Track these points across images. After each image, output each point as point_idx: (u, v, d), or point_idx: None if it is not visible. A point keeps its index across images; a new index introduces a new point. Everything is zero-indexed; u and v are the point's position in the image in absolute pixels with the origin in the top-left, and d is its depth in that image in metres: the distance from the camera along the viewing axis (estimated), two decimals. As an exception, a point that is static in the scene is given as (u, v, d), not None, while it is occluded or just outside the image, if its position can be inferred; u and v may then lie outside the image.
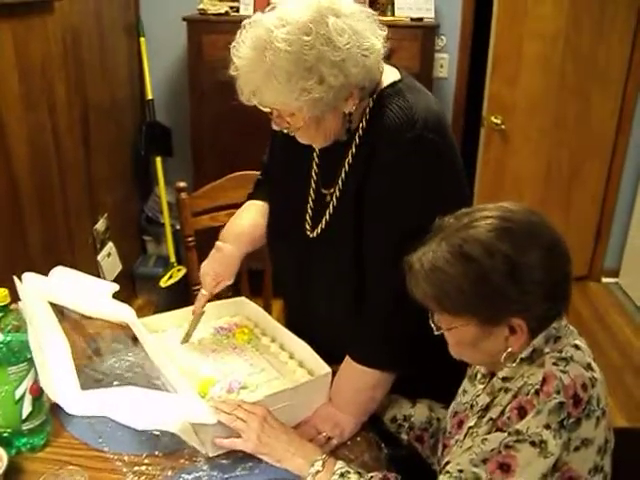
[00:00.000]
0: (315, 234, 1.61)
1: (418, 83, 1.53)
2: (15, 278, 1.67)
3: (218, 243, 1.75)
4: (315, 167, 1.61)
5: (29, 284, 1.77)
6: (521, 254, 1.19)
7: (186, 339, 1.76)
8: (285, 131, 1.47)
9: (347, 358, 1.56)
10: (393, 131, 1.41)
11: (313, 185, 1.61)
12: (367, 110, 1.47)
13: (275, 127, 1.47)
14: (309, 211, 1.62)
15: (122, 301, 1.82)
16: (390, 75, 1.50)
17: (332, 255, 1.58)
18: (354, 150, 1.50)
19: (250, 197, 1.85)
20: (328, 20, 1.31)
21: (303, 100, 1.34)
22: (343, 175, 1.52)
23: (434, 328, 1.31)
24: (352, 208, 1.50)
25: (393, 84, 1.47)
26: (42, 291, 1.77)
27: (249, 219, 1.78)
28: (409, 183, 1.43)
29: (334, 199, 1.55)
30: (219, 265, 1.72)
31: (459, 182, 1.54)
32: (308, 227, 1.62)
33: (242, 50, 1.35)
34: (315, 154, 1.60)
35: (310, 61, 1.30)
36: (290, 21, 1.31)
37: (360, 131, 1.48)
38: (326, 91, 1.33)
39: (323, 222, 1.59)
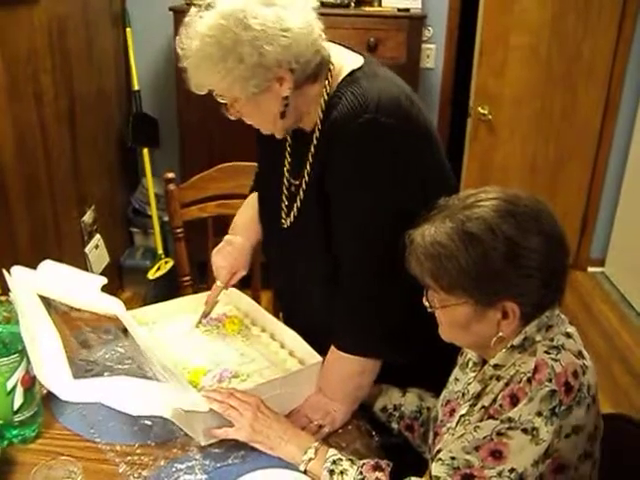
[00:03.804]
0: (287, 224, 1.64)
1: (383, 69, 1.53)
2: (4, 271, 1.66)
3: (228, 237, 1.79)
4: (288, 157, 1.63)
5: (18, 277, 1.75)
6: (522, 237, 1.20)
7: (199, 324, 1.79)
8: (232, 118, 1.50)
9: (332, 346, 1.57)
10: (345, 118, 1.42)
11: (286, 175, 1.63)
12: (322, 100, 1.48)
13: (230, 117, 1.50)
14: (284, 201, 1.64)
15: (109, 294, 1.81)
16: (351, 63, 1.50)
17: (305, 244, 1.60)
18: (315, 141, 1.51)
19: (252, 189, 1.89)
20: (247, 6, 1.35)
21: (230, 81, 1.39)
22: (308, 166, 1.54)
23: (427, 306, 1.32)
24: (317, 197, 1.53)
25: (351, 72, 1.48)
26: (31, 284, 1.76)
27: (254, 210, 1.81)
28: (365, 169, 1.44)
29: (301, 190, 1.58)
30: (233, 257, 1.76)
31: (428, 165, 1.53)
32: (283, 217, 1.65)
33: (182, 41, 1.41)
34: (288, 144, 1.62)
35: (228, 43, 1.35)
36: (217, 9, 1.37)
37: (319, 122, 1.50)
38: (246, 69, 1.37)
39: (293, 213, 1.61)
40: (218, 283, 1.78)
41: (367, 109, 1.40)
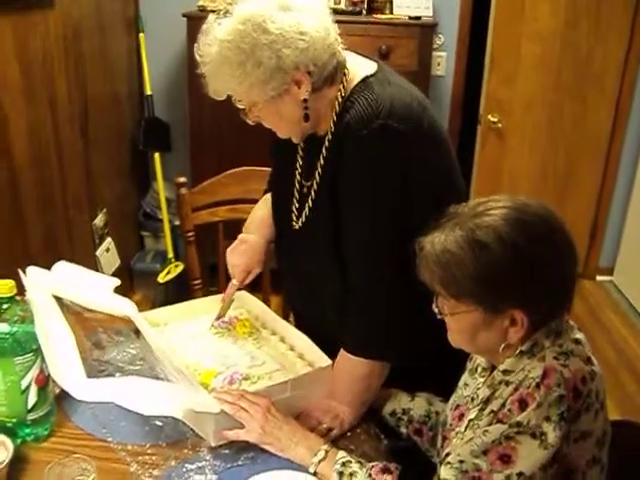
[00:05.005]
0: (299, 226, 1.66)
1: (396, 76, 1.55)
2: (20, 271, 1.68)
3: (242, 235, 1.81)
4: (300, 160, 1.65)
5: (33, 277, 1.78)
6: (531, 246, 1.21)
7: (212, 326, 1.81)
8: (251, 123, 1.52)
9: (341, 349, 1.58)
10: (357, 123, 1.44)
11: (298, 177, 1.65)
12: (336, 104, 1.51)
13: (249, 121, 1.52)
14: (295, 203, 1.66)
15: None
16: (365, 70, 1.53)
17: (314, 246, 1.62)
18: (327, 144, 1.54)
19: (266, 191, 1.90)
20: (265, 11, 1.38)
21: (248, 84, 1.42)
22: (320, 168, 1.57)
23: (436, 312, 1.33)
24: (328, 200, 1.55)
25: (365, 78, 1.51)
26: (45, 284, 1.78)
27: (268, 208, 1.83)
28: (376, 173, 1.46)
29: (312, 192, 1.60)
30: (247, 256, 1.78)
31: (438, 170, 1.55)
32: (294, 218, 1.67)
33: (200, 48, 1.44)
34: (300, 148, 1.64)
35: (246, 47, 1.38)
36: (234, 15, 1.40)
37: (332, 125, 1.52)
38: (264, 73, 1.40)
39: (304, 214, 1.63)
40: (234, 282, 1.79)
41: (379, 115, 1.42)
